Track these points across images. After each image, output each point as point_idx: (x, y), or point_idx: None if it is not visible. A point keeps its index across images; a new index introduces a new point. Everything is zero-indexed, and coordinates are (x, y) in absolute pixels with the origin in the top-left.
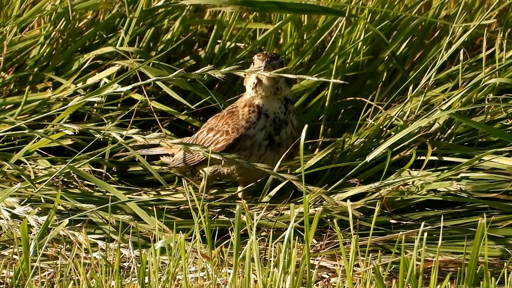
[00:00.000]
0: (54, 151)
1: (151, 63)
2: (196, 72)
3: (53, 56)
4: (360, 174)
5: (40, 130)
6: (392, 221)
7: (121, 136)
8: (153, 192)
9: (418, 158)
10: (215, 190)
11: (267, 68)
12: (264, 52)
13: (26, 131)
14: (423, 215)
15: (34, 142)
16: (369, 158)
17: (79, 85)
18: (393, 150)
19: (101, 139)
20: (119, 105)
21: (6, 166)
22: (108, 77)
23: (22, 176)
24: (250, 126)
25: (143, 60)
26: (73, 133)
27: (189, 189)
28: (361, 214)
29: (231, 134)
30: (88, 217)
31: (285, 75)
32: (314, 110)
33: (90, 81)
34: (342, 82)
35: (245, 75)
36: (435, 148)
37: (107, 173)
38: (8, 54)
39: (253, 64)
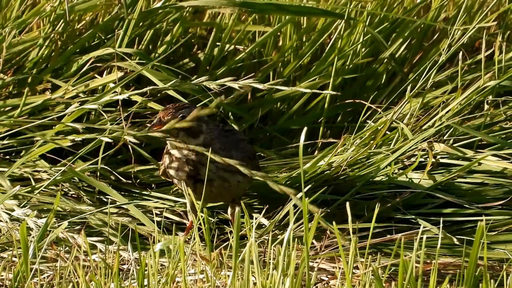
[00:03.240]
0: (53, 151)
1: (151, 65)
2: (193, 82)
3: (52, 57)
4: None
5: (42, 132)
6: (396, 216)
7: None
8: (153, 193)
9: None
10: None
11: (155, 125)
12: (167, 107)
13: (28, 134)
14: (424, 217)
15: (39, 146)
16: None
17: (78, 86)
18: (396, 157)
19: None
20: (118, 106)
21: (8, 173)
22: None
23: (28, 175)
24: (168, 166)
25: (143, 61)
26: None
27: (188, 191)
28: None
29: (161, 167)
30: (88, 219)
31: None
32: (313, 112)
33: (92, 84)
34: (334, 93)
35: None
36: (435, 151)
37: (106, 175)
38: (7, 56)
39: None
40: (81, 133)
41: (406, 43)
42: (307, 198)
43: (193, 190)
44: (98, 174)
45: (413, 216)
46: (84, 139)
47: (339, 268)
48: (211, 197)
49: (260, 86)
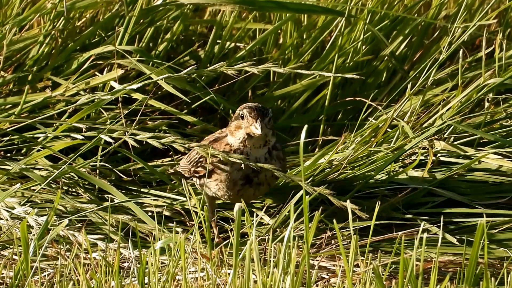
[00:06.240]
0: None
1: (151, 62)
2: (209, 68)
3: (52, 55)
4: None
5: (46, 129)
6: (397, 215)
7: (135, 140)
8: (153, 191)
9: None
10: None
11: (262, 130)
12: (253, 106)
13: (29, 133)
14: (424, 216)
15: (48, 141)
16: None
17: (78, 84)
18: (398, 156)
19: (100, 138)
20: (118, 104)
21: (13, 169)
22: (114, 80)
23: (26, 174)
24: (215, 165)
25: (143, 59)
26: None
27: (188, 189)
28: (367, 216)
29: (189, 168)
30: (88, 217)
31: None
32: (314, 110)
33: (93, 82)
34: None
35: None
36: (435, 149)
37: (107, 172)
38: (7, 54)
39: (242, 118)
40: (85, 131)
41: (407, 40)
42: (307, 196)
43: (237, 190)
44: (98, 171)
45: (413, 216)
46: (84, 137)
47: (340, 266)
48: (250, 197)
49: (280, 70)
